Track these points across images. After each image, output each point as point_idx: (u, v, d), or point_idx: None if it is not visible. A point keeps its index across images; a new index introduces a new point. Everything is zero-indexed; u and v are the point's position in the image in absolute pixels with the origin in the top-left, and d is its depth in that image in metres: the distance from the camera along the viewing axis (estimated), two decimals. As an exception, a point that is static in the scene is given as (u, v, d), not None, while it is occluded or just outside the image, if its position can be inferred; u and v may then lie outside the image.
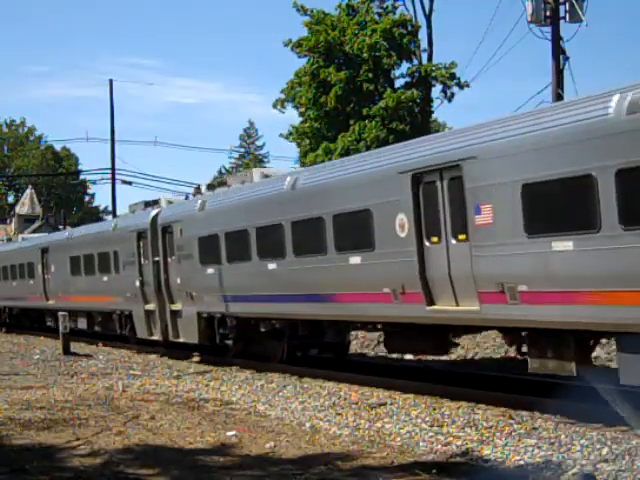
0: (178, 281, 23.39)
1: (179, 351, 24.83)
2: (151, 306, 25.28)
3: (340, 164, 18.19)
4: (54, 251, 34.78)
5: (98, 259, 29.51)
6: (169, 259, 23.99)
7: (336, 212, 16.73)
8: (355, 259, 16.33)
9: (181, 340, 23.90)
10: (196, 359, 24.07)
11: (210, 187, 23.86)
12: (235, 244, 20.43)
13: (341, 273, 16.76)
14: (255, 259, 19.60)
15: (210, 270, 21.56)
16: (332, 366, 19.73)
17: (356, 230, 16.33)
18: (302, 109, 39.87)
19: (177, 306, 23.74)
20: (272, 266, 18.95)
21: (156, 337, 25.36)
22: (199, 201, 22.56)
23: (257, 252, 19.49)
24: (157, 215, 24.89)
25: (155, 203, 26.64)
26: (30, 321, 40.21)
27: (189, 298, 22.80)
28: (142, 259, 25.69)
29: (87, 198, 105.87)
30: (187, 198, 26.04)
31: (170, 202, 25.87)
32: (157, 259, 24.52)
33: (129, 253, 26.42)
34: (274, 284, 18.99)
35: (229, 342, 21.83)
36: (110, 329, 29.79)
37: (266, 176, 21.04)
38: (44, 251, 35.66)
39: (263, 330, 20.51)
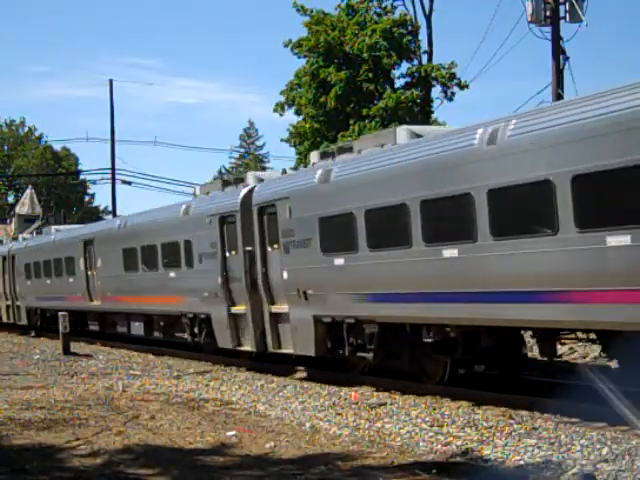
0: (284, 276, 18.41)
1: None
2: (240, 308, 20.49)
3: (580, 102, 12.32)
4: (101, 243, 29.55)
5: (162, 251, 24.54)
6: (269, 248, 19.13)
7: (579, 172, 11.74)
8: (619, 239, 11.31)
9: (285, 351, 19.07)
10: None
11: (325, 155, 18.39)
12: (382, 225, 15.63)
13: (588, 261, 11.83)
14: (418, 244, 14.65)
15: (339, 261, 16.71)
16: (332, 366, 19.69)
17: (621, 197, 11.44)
18: (302, 109, 39.89)
19: (281, 308, 18.89)
20: (450, 253, 14.06)
21: (246, 347, 20.61)
22: (319, 171, 17.37)
23: (422, 234, 14.54)
24: (250, 193, 19.93)
25: (239, 181, 21.88)
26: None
27: (301, 298, 17.85)
28: (227, 249, 20.83)
29: (87, 198, 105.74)
30: (284, 172, 21.30)
31: (260, 179, 20.92)
32: (250, 249, 19.70)
33: (208, 243, 21.52)
34: (454, 277, 14.17)
35: (366, 355, 16.78)
36: (173, 335, 25.37)
37: (418, 135, 16.06)
38: (87, 243, 30.56)
39: (429, 340, 15.22)
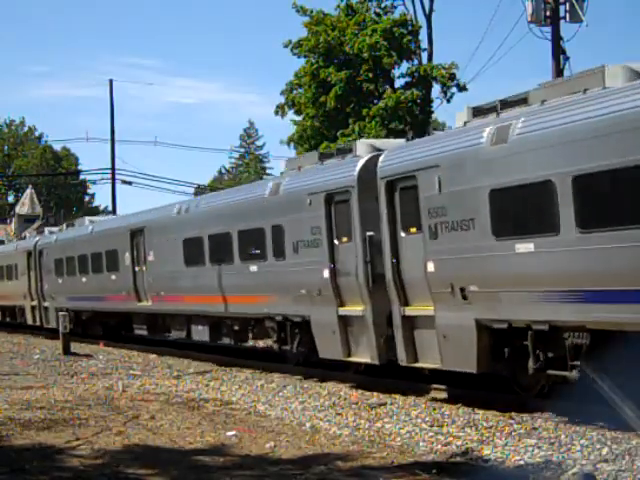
0: (430, 268, 14.39)
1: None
2: (355, 309, 16.54)
3: None
4: (154, 233, 25.16)
5: (240, 240, 20.38)
6: (402, 233, 15.20)
7: None
8: None
9: (426, 365, 15.18)
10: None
11: (480, 112, 14.33)
12: (609, 195, 11.41)
13: None
14: None
15: (524, 246, 12.44)
16: (332, 366, 19.64)
17: None
18: (302, 109, 39.90)
19: (421, 309, 14.88)
20: None
21: (362, 358, 16.71)
22: (489, 129, 13.18)
23: None
24: (371, 164, 16.05)
25: (345, 151, 17.94)
26: (105, 328, 31.32)
27: (457, 296, 13.80)
28: (336, 236, 16.96)
29: (87, 198, 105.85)
30: (410, 139, 16.58)
31: (376, 148, 17.01)
32: (372, 234, 15.93)
33: (308, 228, 17.56)
34: None
35: (567, 374, 12.38)
36: (243, 341, 22.50)
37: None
38: (135, 234, 26.30)
39: None
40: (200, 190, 62.40)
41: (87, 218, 35.37)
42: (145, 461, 11.15)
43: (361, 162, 16.36)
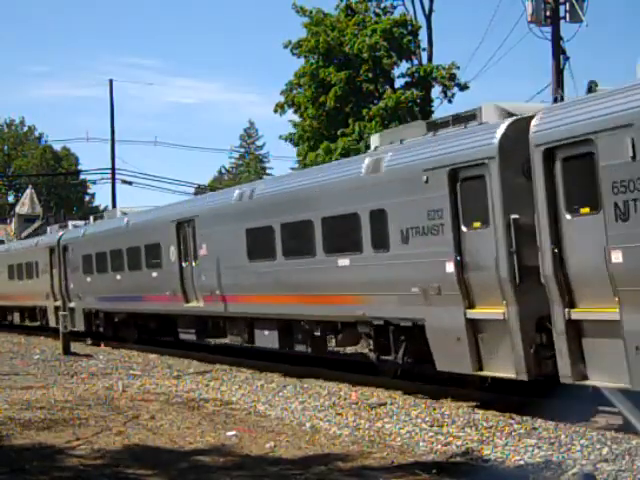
0: (615, 259, 11.17)
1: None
2: (492, 311, 13.31)
3: None
4: (207, 223, 21.96)
5: (324, 229, 17.26)
6: (567, 215, 12.02)
7: None
8: None
9: (605, 384, 11.72)
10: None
11: None
12: None
13: None
14: None
15: None
16: (332, 366, 19.67)
17: None
18: (302, 109, 39.92)
19: (595, 312, 11.68)
20: None
21: (501, 372, 13.40)
22: None
23: None
24: (516, 129, 13.04)
25: (466, 119, 14.70)
26: (141, 331, 28.61)
27: None
28: (464, 221, 13.87)
29: (87, 198, 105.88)
30: (556, 98, 13.71)
31: (509, 113, 13.95)
32: (517, 217, 12.85)
33: (423, 212, 14.47)
34: None
35: None
36: (322, 349, 19.34)
37: None
38: (183, 225, 23.18)
39: None
40: (200, 190, 62.36)
41: (119, 209, 32.27)
42: (145, 461, 11.16)
43: (502, 127, 13.21)
